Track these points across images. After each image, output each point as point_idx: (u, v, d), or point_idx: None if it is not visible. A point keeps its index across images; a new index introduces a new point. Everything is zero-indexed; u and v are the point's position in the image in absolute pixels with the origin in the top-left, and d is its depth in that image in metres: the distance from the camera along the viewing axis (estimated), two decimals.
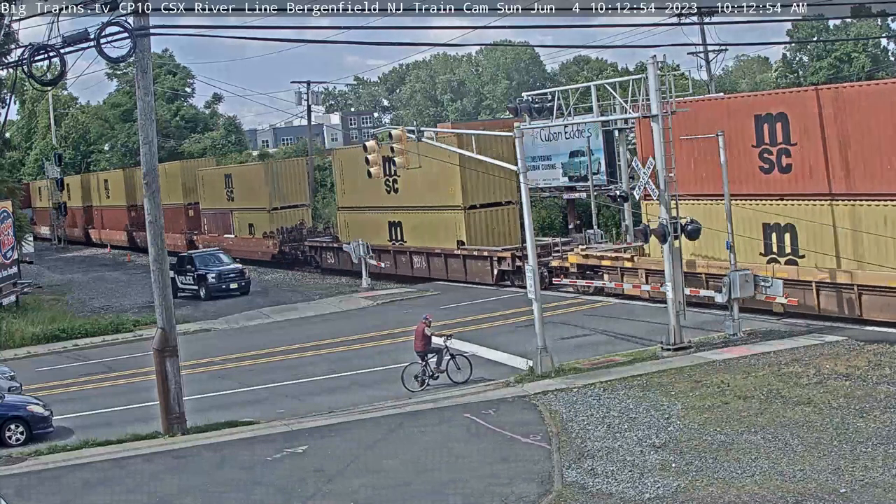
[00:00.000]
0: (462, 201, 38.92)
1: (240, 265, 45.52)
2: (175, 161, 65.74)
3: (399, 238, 42.81)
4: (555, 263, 34.83)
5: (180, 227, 58.07)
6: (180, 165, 61.60)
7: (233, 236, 54.04)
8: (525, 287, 29.59)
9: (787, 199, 26.98)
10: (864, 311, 24.91)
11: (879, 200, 24.63)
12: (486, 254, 37.86)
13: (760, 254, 27.66)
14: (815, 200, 26.35)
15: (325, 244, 47.75)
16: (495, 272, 37.20)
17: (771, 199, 27.30)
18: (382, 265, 42.11)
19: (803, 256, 26.77)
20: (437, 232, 40.17)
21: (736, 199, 26.65)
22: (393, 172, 39.09)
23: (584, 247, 34.42)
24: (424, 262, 41.24)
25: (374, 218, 43.78)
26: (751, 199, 26.99)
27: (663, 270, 25.57)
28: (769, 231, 27.56)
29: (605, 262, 32.89)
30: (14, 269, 40.54)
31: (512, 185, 36.77)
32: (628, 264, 31.84)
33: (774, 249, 27.47)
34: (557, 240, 37.18)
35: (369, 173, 30.15)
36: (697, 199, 28.49)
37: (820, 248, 26.22)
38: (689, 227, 25.14)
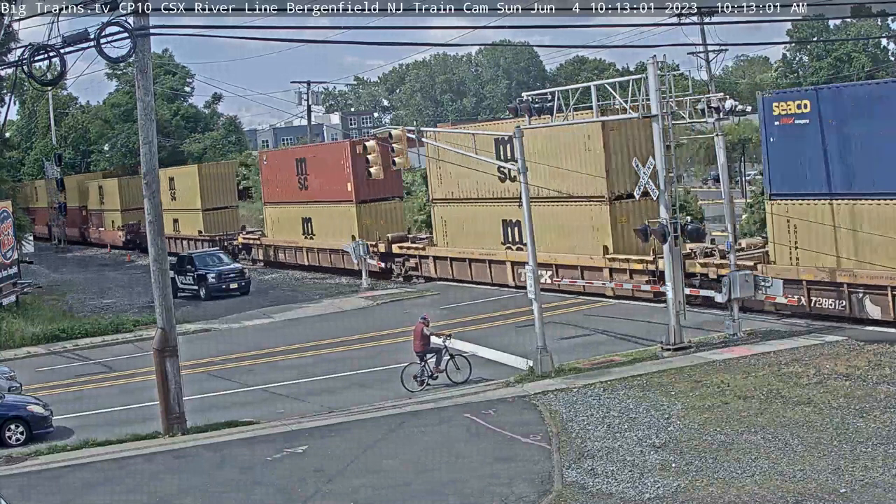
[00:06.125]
0: (200, 204, 59.38)
1: (240, 265, 45.76)
2: (78, 175, 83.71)
3: (176, 229, 60.26)
4: (235, 242, 54.82)
5: (78, 223, 78.12)
6: (78, 178, 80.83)
7: (103, 229, 73.79)
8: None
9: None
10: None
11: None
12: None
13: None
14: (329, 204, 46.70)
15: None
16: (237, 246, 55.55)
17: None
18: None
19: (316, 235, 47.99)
20: (187, 224, 60.41)
21: (286, 205, 50.25)
22: (173, 187, 61.36)
23: (248, 231, 55.40)
24: (188, 245, 58.26)
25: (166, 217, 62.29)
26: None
27: (279, 246, 50.58)
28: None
29: (251, 241, 53.74)
30: (14, 269, 40.48)
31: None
32: (258, 242, 53.06)
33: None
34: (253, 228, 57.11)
35: (369, 173, 30.17)
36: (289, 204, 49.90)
37: (331, 230, 46.21)
38: (689, 227, 25.15)
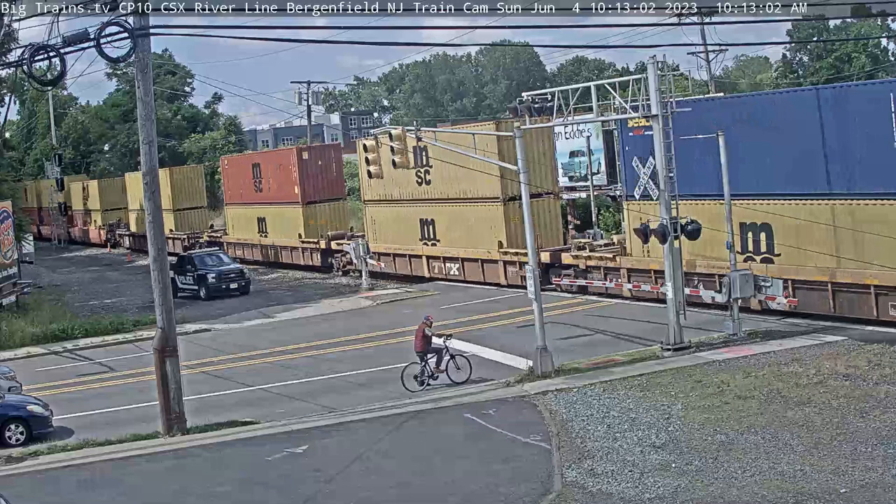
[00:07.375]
0: (171, 205, 61.59)
1: (240, 265, 45.81)
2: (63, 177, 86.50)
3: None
4: (201, 240, 57.86)
5: (62, 223, 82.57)
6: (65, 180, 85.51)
7: (87, 228, 78.42)
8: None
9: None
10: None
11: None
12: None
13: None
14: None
15: (123, 233, 70.65)
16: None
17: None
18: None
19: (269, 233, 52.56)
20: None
21: (244, 205, 54.48)
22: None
23: (213, 230, 59.89)
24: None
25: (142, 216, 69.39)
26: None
27: (238, 243, 54.95)
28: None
29: (215, 239, 56.69)
30: (14, 269, 40.47)
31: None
32: (220, 240, 56.25)
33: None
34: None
35: (369, 172, 30.19)
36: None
37: (282, 229, 50.90)
38: (690, 226, 25.13)
